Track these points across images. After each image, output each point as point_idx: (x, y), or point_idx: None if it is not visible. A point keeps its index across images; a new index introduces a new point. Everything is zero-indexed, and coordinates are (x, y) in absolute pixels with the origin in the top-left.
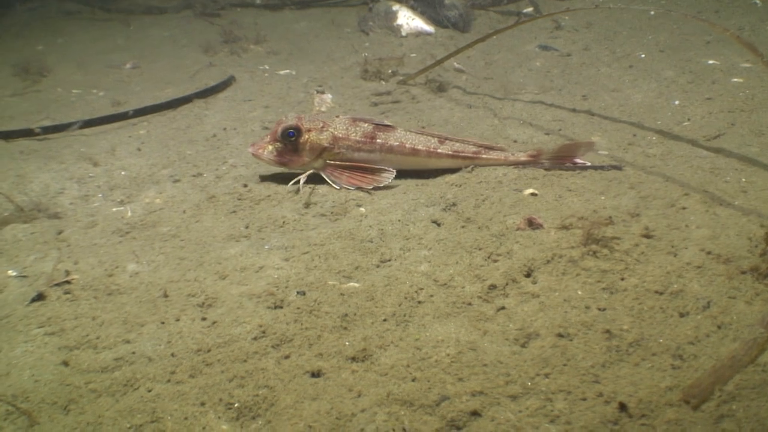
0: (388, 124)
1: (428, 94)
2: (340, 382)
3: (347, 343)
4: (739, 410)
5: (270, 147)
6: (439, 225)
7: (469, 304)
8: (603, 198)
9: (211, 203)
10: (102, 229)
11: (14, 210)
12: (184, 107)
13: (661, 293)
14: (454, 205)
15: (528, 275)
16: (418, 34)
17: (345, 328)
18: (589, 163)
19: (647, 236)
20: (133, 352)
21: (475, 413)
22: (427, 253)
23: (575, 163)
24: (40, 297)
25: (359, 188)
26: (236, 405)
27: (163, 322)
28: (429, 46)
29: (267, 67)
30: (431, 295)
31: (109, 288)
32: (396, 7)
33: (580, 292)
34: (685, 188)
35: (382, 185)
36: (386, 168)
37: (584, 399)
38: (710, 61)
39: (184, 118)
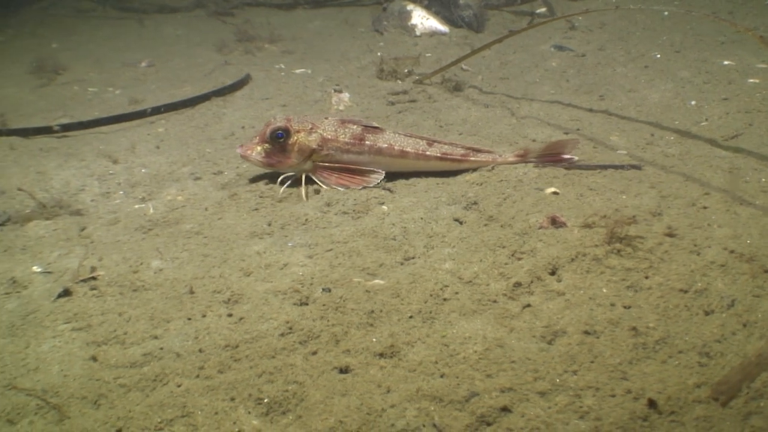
0: (377, 126)
1: (444, 93)
2: (368, 378)
3: (374, 340)
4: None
5: (258, 148)
6: (461, 223)
7: (495, 301)
8: (624, 197)
9: (233, 201)
10: (125, 226)
11: (36, 207)
12: (202, 105)
13: (686, 291)
14: (475, 203)
15: (552, 273)
16: (433, 33)
17: (371, 325)
18: (576, 158)
19: (670, 235)
20: (161, 348)
21: (505, 409)
22: (450, 251)
23: (563, 160)
24: (66, 293)
25: (347, 188)
26: (266, 400)
27: (189, 318)
28: (443, 46)
29: (282, 66)
30: (456, 293)
31: (135, 284)
32: (410, 6)
33: (605, 290)
34: (705, 188)
35: (370, 186)
36: (375, 170)
37: (613, 395)
38: (725, 62)
39: (202, 117)
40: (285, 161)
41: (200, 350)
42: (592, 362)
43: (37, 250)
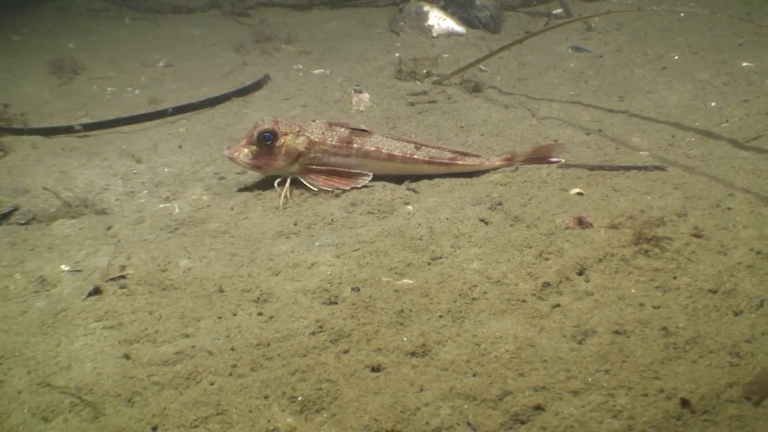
0: (365, 128)
1: (464, 94)
2: (401, 376)
3: (405, 339)
4: None
5: (246, 150)
6: (487, 223)
7: (524, 301)
8: (649, 198)
9: (258, 200)
10: (150, 225)
11: (61, 206)
12: (223, 105)
13: (714, 292)
14: (499, 204)
15: (581, 273)
16: (450, 34)
17: (401, 324)
18: (563, 160)
19: (697, 236)
20: (193, 346)
21: (539, 408)
22: (477, 251)
23: (550, 162)
24: (96, 291)
25: (337, 188)
26: (300, 398)
27: (220, 317)
28: (461, 47)
29: (300, 67)
30: (485, 292)
31: (164, 283)
32: (427, 7)
33: (633, 291)
34: (729, 189)
35: (358, 187)
36: (363, 173)
37: (645, 395)
38: (744, 63)
39: (223, 117)
40: (272, 163)
41: (232, 348)
42: (623, 362)
43: (64, 248)
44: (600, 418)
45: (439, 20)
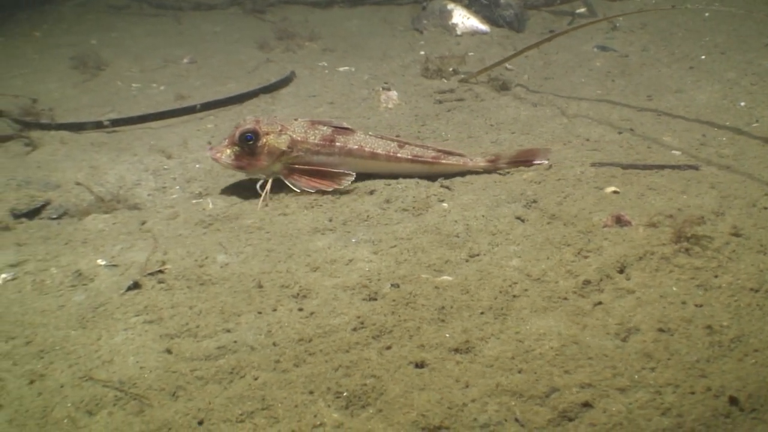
0: (347, 126)
1: (491, 92)
2: (445, 372)
3: (447, 335)
4: None
5: (228, 151)
6: (523, 221)
7: (565, 299)
8: (685, 197)
9: (293, 197)
10: (184, 221)
11: (94, 200)
12: (250, 102)
13: (757, 290)
14: (534, 202)
15: (621, 271)
16: (474, 33)
17: (443, 321)
18: (547, 161)
19: (736, 234)
20: (235, 341)
21: (587, 405)
22: (516, 248)
23: (534, 164)
24: (135, 286)
25: (320, 190)
26: (345, 394)
27: (260, 312)
28: (485, 45)
29: (325, 64)
30: (526, 290)
31: (201, 278)
32: (451, 6)
33: (675, 289)
34: (764, 188)
35: (341, 188)
36: (346, 172)
37: (693, 393)
38: None
39: (251, 113)
40: (255, 163)
41: (274, 344)
42: (668, 359)
43: (99, 243)
44: (648, 415)
45: (463, 18)
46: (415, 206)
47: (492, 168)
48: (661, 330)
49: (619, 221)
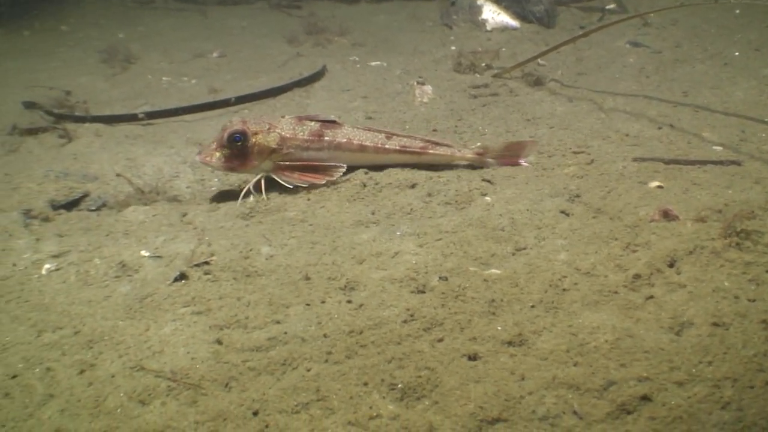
0: (335, 120)
1: (526, 87)
2: (499, 365)
3: (499, 328)
4: None
5: (218, 154)
6: (568, 215)
7: (616, 292)
8: (730, 192)
9: (334, 190)
10: (225, 213)
11: (133, 192)
12: (284, 95)
13: None
14: (578, 196)
15: (671, 266)
16: (504, 29)
17: (493, 314)
18: (530, 164)
19: None
20: (285, 333)
21: (645, 398)
22: (563, 242)
23: (518, 164)
24: (182, 277)
25: (313, 184)
26: (399, 386)
27: (308, 304)
28: (516, 41)
29: (356, 59)
30: (575, 284)
31: (247, 270)
32: (481, 1)
33: (726, 283)
34: None
35: (334, 180)
36: (336, 164)
37: (752, 387)
38: None
39: (285, 107)
40: (246, 164)
41: (325, 335)
42: (725, 354)
43: (141, 234)
44: (708, 409)
45: (493, 14)
46: (457, 200)
47: (479, 161)
48: (715, 324)
49: (667, 216)
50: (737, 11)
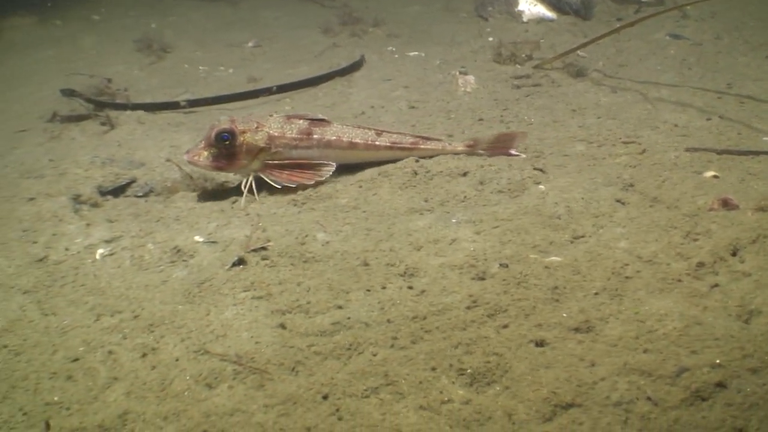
0: (323, 118)
1: (567, 78)
2: (567, 351)
3: (565, 315)
4: None
5: (205, 153)
6: (624, 204)
7: (679, 280)
8: None
9: (385, 177)
10: (276, 200)
11: (180, 179)
12: (325, 85)
13: None
14: (632, 185)
15: (734, 254)
16: (540, 20)
17: (557, 301)
18: (523, 155)
19: None
20: (348, 318)
21: (720, 385)
22: (622, 230)
23: (509, 154)
24: (240, 262)
25: (303, 184)
26: (468, 371)
27: (368, 290)
28: (554, 33)
29: (393, 49)
30: (638, 271)
31: (304, 255)
32: None
33: None
34: None
35: (323, 179)
36: (326, 162)
37: None
38: None
39: (327, 96)
40: (235, 163)
41: (389, 321)
42: None
43: (192, 220)
44: None
45: (530, 5)
46: (510, 188)
47: (470, 153)
48: None
49: (726, 204)
50: None
